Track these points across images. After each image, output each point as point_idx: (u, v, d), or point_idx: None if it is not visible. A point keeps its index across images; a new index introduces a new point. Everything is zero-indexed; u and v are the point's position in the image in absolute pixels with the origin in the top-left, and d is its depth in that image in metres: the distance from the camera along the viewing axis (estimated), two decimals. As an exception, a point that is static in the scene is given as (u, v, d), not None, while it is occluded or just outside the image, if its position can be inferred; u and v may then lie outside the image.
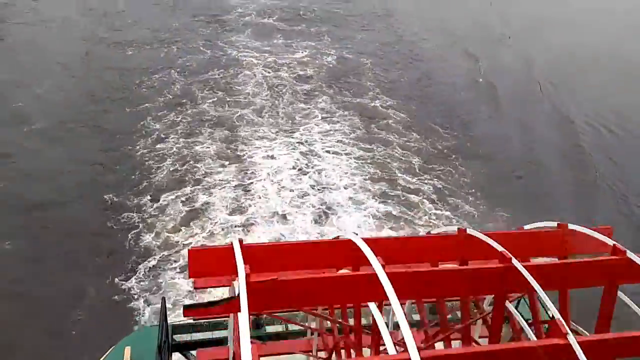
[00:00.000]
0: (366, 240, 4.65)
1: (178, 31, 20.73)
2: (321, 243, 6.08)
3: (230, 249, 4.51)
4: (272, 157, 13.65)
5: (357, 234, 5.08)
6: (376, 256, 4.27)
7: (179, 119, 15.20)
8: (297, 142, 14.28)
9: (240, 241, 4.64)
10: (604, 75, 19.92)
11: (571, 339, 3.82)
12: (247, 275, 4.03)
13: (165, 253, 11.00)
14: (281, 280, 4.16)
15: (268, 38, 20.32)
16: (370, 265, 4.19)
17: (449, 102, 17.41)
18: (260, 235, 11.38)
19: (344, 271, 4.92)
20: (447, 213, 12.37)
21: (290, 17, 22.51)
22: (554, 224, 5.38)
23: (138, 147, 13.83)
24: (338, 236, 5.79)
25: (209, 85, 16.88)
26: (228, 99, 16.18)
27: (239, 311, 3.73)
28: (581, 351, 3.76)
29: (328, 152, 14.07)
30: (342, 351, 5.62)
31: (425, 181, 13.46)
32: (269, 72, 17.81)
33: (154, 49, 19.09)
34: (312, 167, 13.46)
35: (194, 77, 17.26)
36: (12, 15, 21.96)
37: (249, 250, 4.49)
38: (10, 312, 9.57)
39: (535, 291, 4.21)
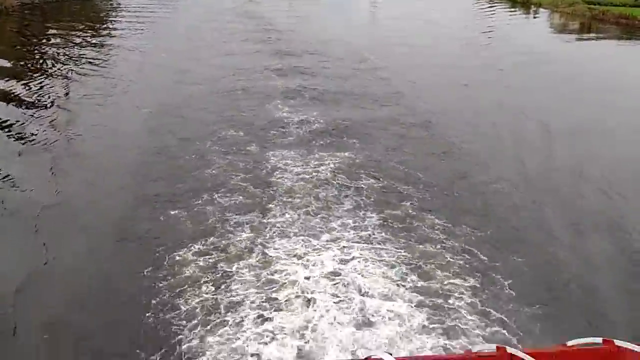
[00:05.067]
0: (399, 359, 4.74)
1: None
2: None
3: None
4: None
5: (390, 354, 4.96)
6: None
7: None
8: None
9: None
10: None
11: None
12: None
13: None
14: None
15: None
16: None
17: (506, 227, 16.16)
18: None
19: None
20: (483, 324, 11.34)
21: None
22: (599, 340, 5.20)
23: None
24: (371, 356, 5.54)
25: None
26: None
27: None
28: None
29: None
30: None
31: (463, 290, 12.44)
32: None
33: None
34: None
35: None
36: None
37: None
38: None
39: None
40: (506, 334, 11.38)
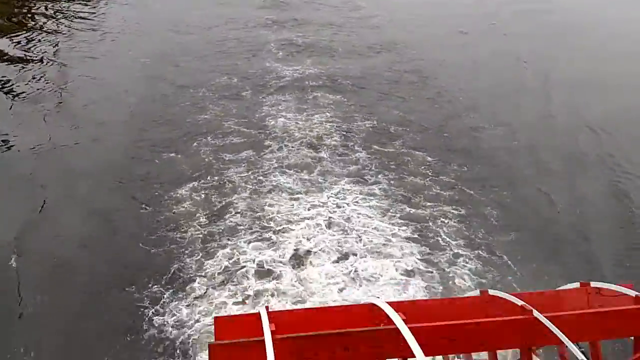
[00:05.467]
0: (389, 303, 4.87)
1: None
2: (346, 307, 6.24)
3: (256, 315, 4.74)
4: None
5: (379, 297, 5.65)
6: (398, 313, 4.49)
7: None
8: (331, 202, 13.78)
9: (267, 308, 4.93)
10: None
11: None
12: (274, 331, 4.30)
13: (191, 323, 10.58)
14: (306, 335, 4.42)
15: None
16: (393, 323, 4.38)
17: (496, 163, 16.34)
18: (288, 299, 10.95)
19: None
20: (471, 273, 11.80)
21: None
22: (577, 284, 5.55)
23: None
24: (362, 302, 5.98)
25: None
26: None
27: None
28: None
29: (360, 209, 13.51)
30: None
31: (454, 240, 12.82)
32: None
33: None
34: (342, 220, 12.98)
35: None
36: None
37: (275, 317, 4.70)
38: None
39: (562, 342, 4.27)
40: (487, 256, 11.96)
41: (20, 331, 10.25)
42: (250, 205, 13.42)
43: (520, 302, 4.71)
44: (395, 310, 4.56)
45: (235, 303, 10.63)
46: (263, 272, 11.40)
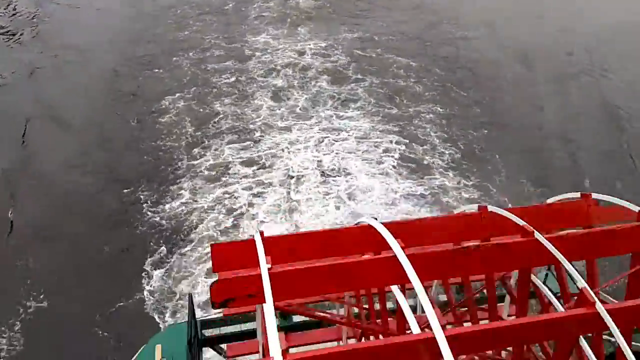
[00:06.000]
0: (386, 224, 4.59)
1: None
2: (341, 230, 6.06)
3: (252, 242, 4.51)
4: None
5: (376, 218, 4.93)
6: (396, 239, 4.23)
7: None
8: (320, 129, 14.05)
9: (262, 233, 4.64)
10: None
11: (599, 307, 3.72)
12: (270, 267, 4.04)
13: (188, 248, 10.97)
14: (302, 268, 4.21)
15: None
16: (391, 248, 4.16)
17: (478, 70, 16.29)
18: (282, 223, 11.37)
19: (366, 257, 4.89)
20: (470, 189, 12.08)
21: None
22: (578, 194, 5.26)
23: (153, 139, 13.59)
24: (359, 222, 5.67)
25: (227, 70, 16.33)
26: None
27: (264, 302, 3.76)
28: (610, 319, 3.68)
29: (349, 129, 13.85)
30: (372, 337, 5.62)
31: (447, 155, 13.04)
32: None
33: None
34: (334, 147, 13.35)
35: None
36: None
37: (270, 242, 4.50)
38: (39, 315, 9.78)
39: (561, 263, 4.12)
40: (480, 165, 12.22)
41: (18, 235, 10.74)
42: (235, 110, 13.59)
43: (521, 222, 4.46)
44: (391, 233, 4.32)
45: (225, 211, 11.01)
46: (248, 165, 11.85)
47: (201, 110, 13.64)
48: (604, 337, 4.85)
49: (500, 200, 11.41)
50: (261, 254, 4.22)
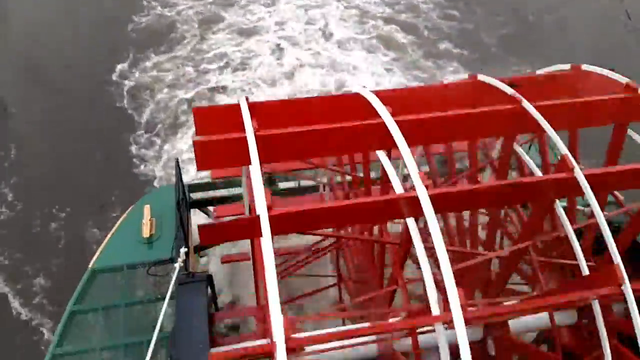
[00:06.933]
0: (375, 92, 4.55)
1: None
2: (329, 97, 6.14)
3: (236, 106, 4.43)
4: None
5: (365, 87, 4.91)
6: (385, 106, 4.21)
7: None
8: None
9: (247, 98, 4.55)
10: None
11: (577, 172, 3.85)
12: (255, 129, 3.99)
13: (171, 118, 10.82)
14: (288, 132, 4.14)
15: None
16: (380, 115, 4.13)
17: None
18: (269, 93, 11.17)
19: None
20: (461, 60, 11.77)
21: None
22: (568, 66, 5.23)
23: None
24: (348, 92, 5.64)
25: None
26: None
27: (250, 163, 3.78)
28: (587, 183, 3.81)
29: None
30: None
31: (437, 26, 12.60)
32: None
33: None
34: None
35: None
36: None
37: (255, 107, 4.41)
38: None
39: (545, 132, 4.17)
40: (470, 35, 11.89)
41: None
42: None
43: (510, 91, 4.48)
44: (381, 100, 4.27)
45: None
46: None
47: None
48: (579, 207, 5.09)
49: (490, 71, 11.30)
50: (246, 118, 4.16)
